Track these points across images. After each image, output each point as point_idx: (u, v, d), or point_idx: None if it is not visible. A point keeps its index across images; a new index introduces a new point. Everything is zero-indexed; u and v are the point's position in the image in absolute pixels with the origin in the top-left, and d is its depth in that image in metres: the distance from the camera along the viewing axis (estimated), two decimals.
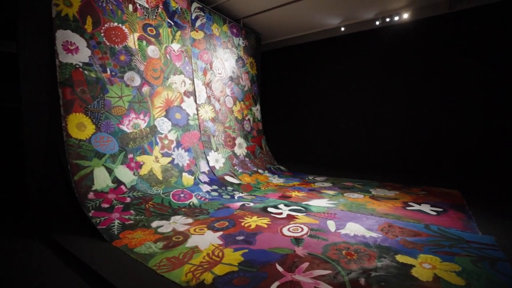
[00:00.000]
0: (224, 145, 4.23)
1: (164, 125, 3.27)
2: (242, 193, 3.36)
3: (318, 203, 2.90)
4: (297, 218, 2.38)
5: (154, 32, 3.28)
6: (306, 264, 1.57)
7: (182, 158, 3.38)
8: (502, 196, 3.12)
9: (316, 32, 5.25)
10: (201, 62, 3.98)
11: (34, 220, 2.25)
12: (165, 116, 3.31)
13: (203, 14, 4.03)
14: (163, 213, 2.47)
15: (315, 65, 5.63)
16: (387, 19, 4.42)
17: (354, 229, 2.13)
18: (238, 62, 4.79)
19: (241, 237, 1.97)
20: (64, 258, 1.71)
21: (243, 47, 4.93)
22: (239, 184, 3.69)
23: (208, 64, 4.11)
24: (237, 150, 4.47)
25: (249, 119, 4.97)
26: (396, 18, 4.35)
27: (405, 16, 4.27)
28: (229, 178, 3.79)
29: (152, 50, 3.23)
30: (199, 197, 2.99)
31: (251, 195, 3.28)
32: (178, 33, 3.60)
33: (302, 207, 2.74)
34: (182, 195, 2.94)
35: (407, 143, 4.68)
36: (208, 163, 3.75)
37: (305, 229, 2.13)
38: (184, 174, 3.28)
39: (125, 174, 2.68)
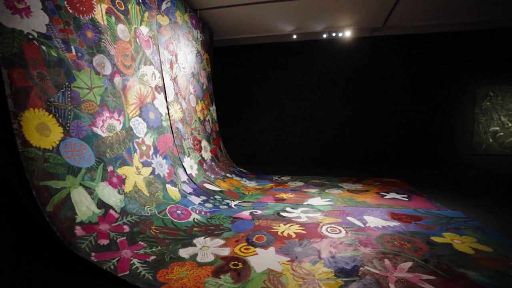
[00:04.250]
0: (194, 149, 3.75)
1: (139, 127, 2.59)
2: (233, 200, 3.08)
3: (317, 202, 3.02)
4: (320, 219, 2.41)
5: (123, 7, 2.54)
6: (387, 262, 1.64)
7: (162, 167, 2.79)
8: (425, 181, 4.18)
9: (269, 36, 5.41)
10: (168, 53, 3.38)
11: None
12: (140, 115, 2.63)
13: None
14: (178, 238, 1.97)
15: (265, 66, 5.79)
16: (333, 34, 5.07)
17: (375, 221, 2.36)
18: (197, 57, 4.35)
19: (299, 249, 1.83)
20: None
21: (200, 41, 4.51)
22: (221, 191, 3.37)
23: (173, 56, 3.53)
24: (204, 154, 4.06)
25: (208, 120, 4.60)
26: (340, 34, 5.05)
27: (347, 33, 5.02)
28: (208, 186, 3.39)
29: (122, 30, 2.50)
30: (198, 212, 2.55)
31: (245, 201, 3.06)
32: (146, 14, 2.93)
33: (309, 207, 2.79)
34: (179, 211, 2.42)
35: (348, 142, 5.53)
36: (185, 170, 3.23)
37: (341, 229, 2.19)
38: (167, 186, 2.71)
39: (109, 194, 1.97)
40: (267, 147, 5.97)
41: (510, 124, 5.16)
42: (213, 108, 4.90)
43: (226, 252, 1.79)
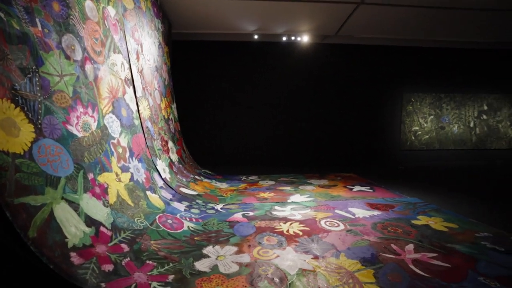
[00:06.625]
0: (163, 150, 3.38)
1: (114, 126, 2.19)
2: (217, 204, 2.91)
3: (299, 199, 3.12)
4: (314, 216, 2.50)
5: None
6: (395, 246, 1.82)
7: (139, 171, 2.42)
8: (370, 174, 4.80)
9: (229, 34, 5.30)
10: (134, 41, 2.95)
11: None
12: (113, 112, 2.22)
13: None
14: (184, 250, 1.74)
15: (224, 65, 5.64)
16: (292, 38, 5.32)
17: (360, 212, 2.59)
18: (159, 50, 3.93)
19: (314, 245, 1.86)
20: None
21: (161, 32, 4.09)
22: (199, 195, 3.14)
23: (139, 46, 3.10)
24: (172, 156, 3.71)
25: (172, 119, 4.22)
26: (298, 39, 5.35)
27: (305, 39, 5.35)
28: (184, 190, 3.12)
29: (90, 8, 2.05)
30: (189, 219, 2.31)
31: (229, 204, 2.92)
32: None
33: (296, 205, 2.86)
34: (169, 221, 2.15)
35: (303, 141, 5.89)
36: (160, 174, 2.88)
37: (338, 222, 2.32)
38: (148, 193, 2.38)
39: (95, 208, 1.60)
40: (223, 146, 5.82)
41: (425, 125, 6.40)
42: (174, 106, 4.52)
43: (246, 258, 1.67)
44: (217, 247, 1.83)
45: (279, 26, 5.12)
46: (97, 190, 1.70)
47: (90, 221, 1.49)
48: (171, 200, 2.62)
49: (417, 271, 1.52)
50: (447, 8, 4.18)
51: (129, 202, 2.00)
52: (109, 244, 1.48)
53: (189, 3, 4.25)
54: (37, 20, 1.49)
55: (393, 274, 1.48)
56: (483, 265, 1.59)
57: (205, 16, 4.70)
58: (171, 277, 1.40)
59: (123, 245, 1.55)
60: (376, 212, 2.57)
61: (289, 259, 1.66)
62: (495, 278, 1.45)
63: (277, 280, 1.43)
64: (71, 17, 1.80)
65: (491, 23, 4.75)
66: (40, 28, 1.51)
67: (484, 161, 6.31)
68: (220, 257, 1.68)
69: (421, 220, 2.34)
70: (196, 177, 3.96)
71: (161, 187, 2.71)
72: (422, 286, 1.38)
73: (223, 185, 3.90)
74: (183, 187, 3.21)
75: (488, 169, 5.43)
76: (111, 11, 2.41)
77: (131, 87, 2.71)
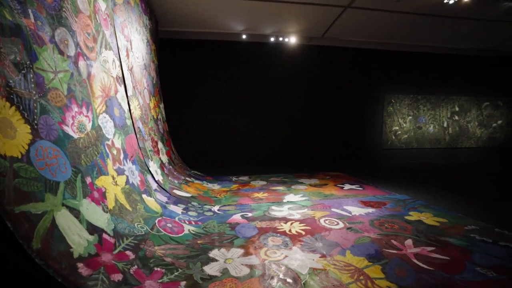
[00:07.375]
0: (154, 151, 3.26)
1: (108, 126, 2.07)
2: (212, 205, 2.85)
3: (294, 198, 3.15)
4: (312, 215, 2.53)
5: None
6: (394, 241, 1.89)
7: (134, 174, 2.31)
8: (355, 173, 4.97)
9: (218, 33, 5.23)
10: (123, 38, 2.81)
11: None
12: (106, 111, 2.10)
13: None
14: (190, 255, 1.68)
15: (212, 64, 5.56)
16: (280, 38, 5.37)
17: (356, 210, 2.66)
18: (147, 47, 3.78)
19: (319, 244, 1.88)
20: None
21: (149, 29, 3.94)
22: (193, 197, 3.06)
23: (128, 43, 2.96)
24: (162, 157, 3.59)
25: (160, 119, 4.08)
26: (286, 40, 5.40)
27: (292, 40, 5.42)
28: (178, 192, 3.03)
29: (81, 1, 1.92)
30: (188, 222, 2.24)
31: (225, 205, 2.88)
32: None
33: (292, 204, 2.88)
34: (169, 225, 2.07)
35: (290, 141, 5.96)
36: (153, 176, 2.77)
37: (337, 220, 2.37)
38: (143, 196, 2.28)
39: (95, 214, 1.50)
40: (214, 146, 5.74)
41: (404, 125, 6.73)
42: (162, 106, 4.38)
43: (255, 260, 1.65)
44: (222, 250, 1.79)
45: (267, 27, 5.14)
46: (96, 194, 1.59)
47: (92, 228, 1.39)
48: (167, 203, 2.53)
49: (421, 264, 1.59)
50: (427, 14, 4.43)
51: (127, 206, 1.90)
52: (114, 252, 1.39)
53: (177, 0, 4.14)
54: (29, 11, 1.37)
55: (399, 268, 1.54)
56: (477, 256, 1.70)
57: (193, 14, 4.60)
58: (183, 283, 1.35)
59: (128, 252, 1.46)
60: (370, 210, 2.65)
61: (297, 259, 1.67)
62: (490, 268, 1.56)
63: (290, 280, 1.43)
64: (64, 9, 1.68)
65: (466, 31, 5.11)
66: (33, 20, 1.38)
67: (456, 159, 6.76)
68: (229, 260, 1.65)
69: (413, 216, 2.45)
70: (187, 178, 3.87)
71: (155, 190, 2.61)
72: (428, 279, 1.44)
73: (215, 186, 3.83)
74: (176, 189, 3.11)
75: (462, 167, 5.81)
76: (101, 5, 2.28)
77: (122, 86, 2.58)
